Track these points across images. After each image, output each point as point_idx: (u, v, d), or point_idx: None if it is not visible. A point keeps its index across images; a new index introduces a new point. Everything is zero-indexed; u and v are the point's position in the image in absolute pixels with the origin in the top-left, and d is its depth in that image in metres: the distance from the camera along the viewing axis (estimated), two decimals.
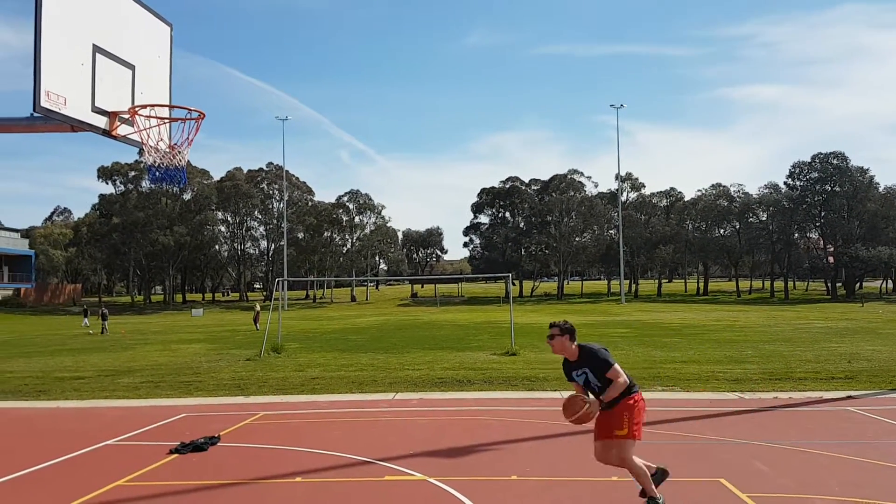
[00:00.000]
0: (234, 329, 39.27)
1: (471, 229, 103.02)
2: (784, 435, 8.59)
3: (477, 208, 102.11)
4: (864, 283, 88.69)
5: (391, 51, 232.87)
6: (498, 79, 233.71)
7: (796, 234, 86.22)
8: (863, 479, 6.56)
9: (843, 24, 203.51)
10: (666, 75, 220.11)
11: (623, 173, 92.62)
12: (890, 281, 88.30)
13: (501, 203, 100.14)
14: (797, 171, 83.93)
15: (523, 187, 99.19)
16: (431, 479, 6.73)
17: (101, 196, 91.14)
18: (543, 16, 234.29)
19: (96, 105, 5.97)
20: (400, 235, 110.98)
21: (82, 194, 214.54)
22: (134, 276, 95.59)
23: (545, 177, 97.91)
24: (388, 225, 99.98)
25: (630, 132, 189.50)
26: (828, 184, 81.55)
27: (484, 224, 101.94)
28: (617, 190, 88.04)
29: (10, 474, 7.25)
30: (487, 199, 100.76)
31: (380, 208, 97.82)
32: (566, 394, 12.15)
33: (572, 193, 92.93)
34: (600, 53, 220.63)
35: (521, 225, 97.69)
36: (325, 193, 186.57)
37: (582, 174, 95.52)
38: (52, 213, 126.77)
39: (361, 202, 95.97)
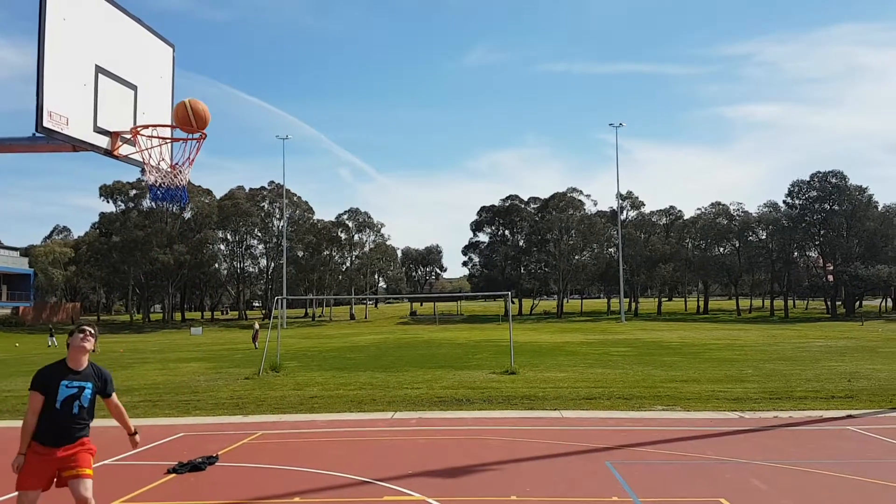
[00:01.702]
0: (233, 348, 39.18)
1: (470, 248, 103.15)
2: (784, 454, 8.56)
3: (476, 227, 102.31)
4: (864, 302, 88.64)
5: (391, 69, 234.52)
6: (498, 97, 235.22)
7: (796, 253, 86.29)
8: (864, 499, 6.54)
9: (841, 43, 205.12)
10: (665, 94, 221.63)
11: (622, 191, 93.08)
12: (889, 299, 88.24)
13: (501, 221, 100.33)
14: (796, 189, 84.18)
15: (522, 205, 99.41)
16: (430, 500, 6.69)
17: (102, 214, 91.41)
18: (543, 34, 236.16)
19: (98, 125, 6.01)
20: (399, 253, 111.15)
21: (82, 213, 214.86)
22: (133, 294, 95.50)
23: (544, 195, 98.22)
24: (388, 243, 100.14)
25: (629, 150, 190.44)
26: (827, 202, 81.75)
27: (483, 242, 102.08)
28: (616, 208, 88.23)
29: (7, 494, 7.21)
30: (487, 217, 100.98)
31: (379, 226, 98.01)
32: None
33: (571, 212, 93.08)
34: (600, 72, 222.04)
35: (521, 243, 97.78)
36: (326, 211, 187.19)
37: (581, 192, 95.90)
38: (52, 232, 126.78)
39: (361, 220, 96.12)
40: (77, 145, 5.89)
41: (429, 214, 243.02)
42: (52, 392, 5.03)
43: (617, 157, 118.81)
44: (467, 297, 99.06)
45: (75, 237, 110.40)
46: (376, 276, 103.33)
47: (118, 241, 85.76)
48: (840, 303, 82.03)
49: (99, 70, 5.99)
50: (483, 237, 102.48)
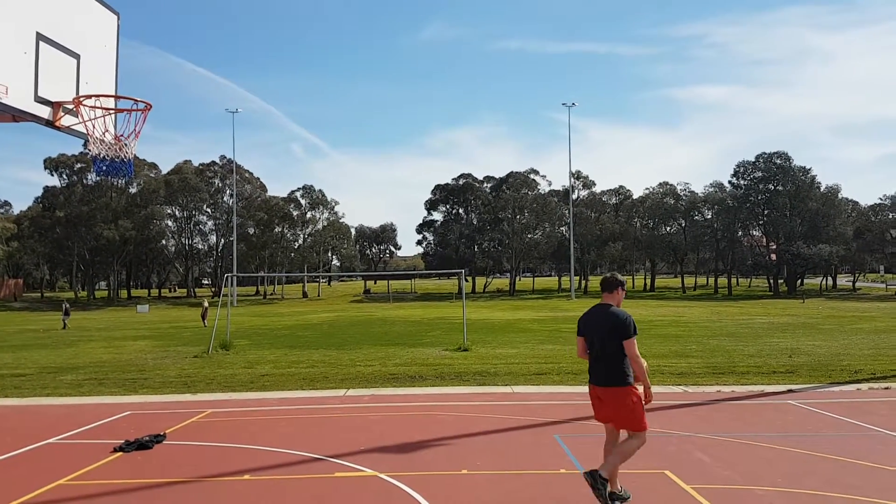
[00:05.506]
0: (182, 325, 38.58)
1: (424, 226, 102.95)
2: (727, 427, 8.82)
3: (431, 205, 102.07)
4: (805, 280, 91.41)
5: (345, 43, 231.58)
6: (454, 73, 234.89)
7: (740, 232, 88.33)
8: (804, 470, 6.77)
9: (790, 25, 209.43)
10: (617, 74, 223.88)
11: (574, 171, 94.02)
12: (830, 278, 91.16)
13: (455, 200, 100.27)
14: (741, 170, 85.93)
15: (477, 184, 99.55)
16: (382, 475, 6.72)
17: (45, 188, 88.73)
18: (499, 11, 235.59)
19: (39, 95, 5.81)
20: (353, 231, 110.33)
21: (24, 187, 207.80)
22: (77, 271, 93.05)
23: (499, 173, 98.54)
24: (342, 220, 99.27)
25: (582, 130, 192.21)
26: (771, 183, 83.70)
27: (438, 221, 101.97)
28: (569, 187, 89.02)
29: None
30: (441, 195, 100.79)
31: (333, 204, 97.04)
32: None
33: (525, 191, 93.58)
34: (554, 51, 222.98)
35: (475, 222, 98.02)
36: (278, 188, 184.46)
37: (537, 172, 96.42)
38: None
39: (314, 197, 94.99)
40: (17, 115, 5.70)
41: (383, 192, 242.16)
42: None
43: (570, 136, 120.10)
44: (421, 274, 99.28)
45: (17, 212, 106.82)
46: (330, 254, 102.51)
47: (62, 216, 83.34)
48: (782, 281, 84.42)
49: (40, 37, 5.78)
50: (437, 216, 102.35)
